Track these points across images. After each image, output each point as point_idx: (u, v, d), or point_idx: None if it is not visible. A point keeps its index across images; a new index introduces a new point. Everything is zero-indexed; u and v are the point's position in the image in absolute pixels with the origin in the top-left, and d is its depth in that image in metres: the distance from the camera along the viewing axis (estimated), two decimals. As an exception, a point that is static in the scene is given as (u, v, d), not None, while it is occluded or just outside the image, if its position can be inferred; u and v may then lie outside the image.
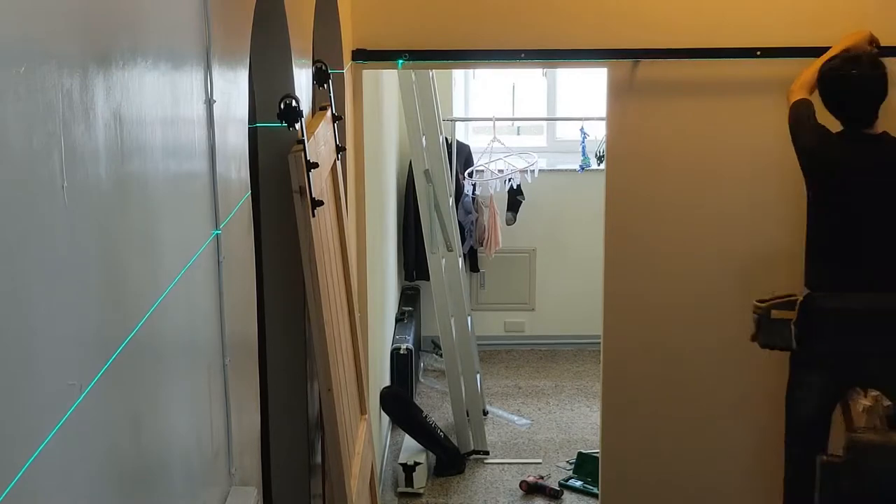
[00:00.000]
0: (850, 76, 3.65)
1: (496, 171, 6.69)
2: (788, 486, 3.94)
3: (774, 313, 3.74)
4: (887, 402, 3.66)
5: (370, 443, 3.59)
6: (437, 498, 5.22)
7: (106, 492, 1.24)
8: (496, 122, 6.57)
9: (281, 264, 2.89)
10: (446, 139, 6.19)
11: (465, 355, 5.74)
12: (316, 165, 2.75)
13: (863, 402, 3.65)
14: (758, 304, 3.80)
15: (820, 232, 3.79)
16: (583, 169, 6.76)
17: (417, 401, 6.03)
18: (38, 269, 1.04)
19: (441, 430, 5.47)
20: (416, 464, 5.24)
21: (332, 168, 3.26)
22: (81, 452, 1.15)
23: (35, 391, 1.03)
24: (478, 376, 6.03)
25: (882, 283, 3.70)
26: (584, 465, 5.33)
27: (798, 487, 3.88)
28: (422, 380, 6.70)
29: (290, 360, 2.98)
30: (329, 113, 3.32)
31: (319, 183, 2.86)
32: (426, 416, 5.48)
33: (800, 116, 3.80)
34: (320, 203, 2.76)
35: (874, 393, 3.67)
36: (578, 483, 5.31)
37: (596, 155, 6.64)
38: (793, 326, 3.70)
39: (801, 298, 3.72)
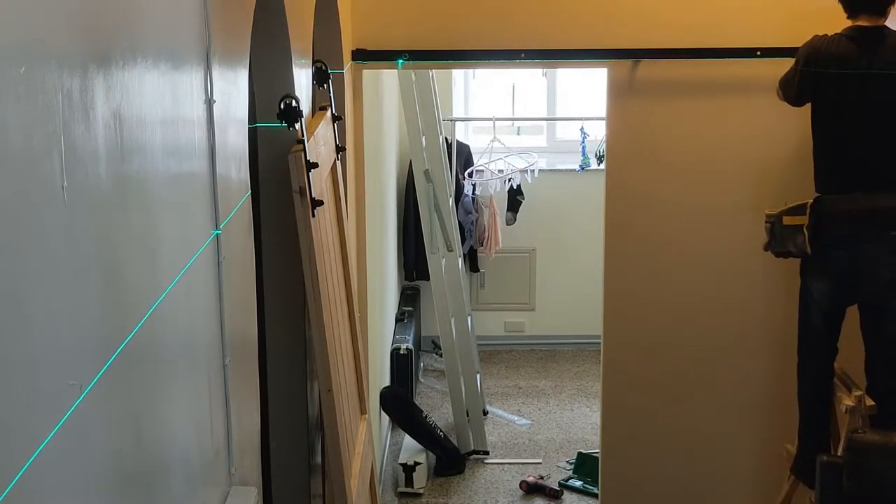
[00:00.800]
0: None
1: (496, 171, 6.70)
2: (804, 400, 3.91)
3: (786, 220, 3.71)
4: (870, 402, 3.64)
5: (370, 443, 3.59)
6: (437, 498, 5.23)
7: (106, 491, 1.24)
8: (496, 122, 6.57)
9: (281, 264, 2.89)
10: (446, 139, 6.19)
11: (465, 355, 5.74)
12: (316, 165, 2.75)
13: (846, 402, 3.64)
14: (769, 213, 3.76)
15: (824, 134, 3.76)
16: (583, 169, 6.76)
17: (417, 401, 6.03)
18: (38, 269, 1.04)
19: (441, 430, 5.47)
20: (416, 464, 5.24)
21: (332, 168, 3.26)
22: (81, 452, 1.15)
23: (35, 391, 1.03)
24: (478, 376, 6.03)
25: (886, 182, 3.67)
26: (584, 465, 5.33)
27: (813, 400, 3.86)
28: (422, 380, 6.70)
29: (290, 360, 2.98)
30: (329, 113, 3.32)
31: (319, 183, 2.86)
32: (426, 416, 5.48)
33: (786, 73, 3.82)
34: (320, 203, 2.76)
35: (857, 393, 3.66)
36: (578, 483, 5.31)
37: (596, 155, 6.64)
38: (805, 231, 3.67)
39: (810, 202, 3.68)
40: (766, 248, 3.82)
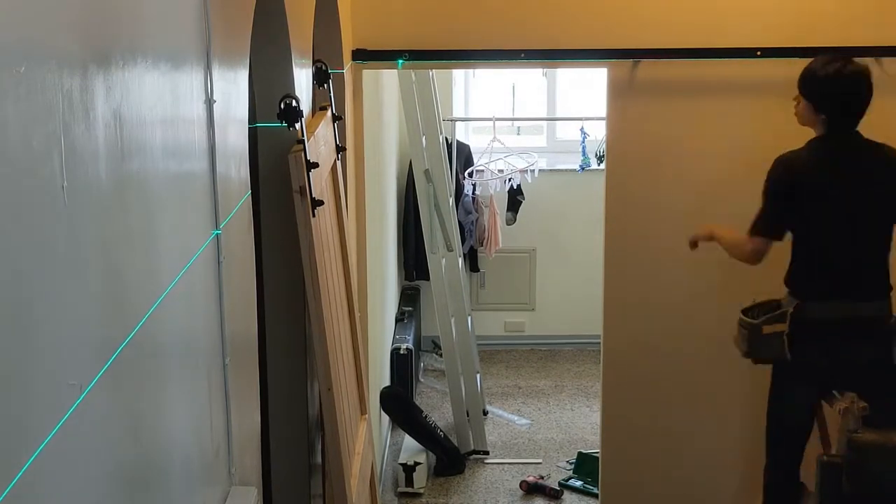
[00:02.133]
0: (845, 71, 3.61)
1: (496, 171, 6.69)
2: (773, 490, 3.93)
3: (766, 329, 3.69)
4: (863, 403, 3.65)
5: (370, 443, 3.59)
6: (437, 498, 5.22)
7: (106, 492, 1.24)
8: (496, 122, 6.57)
9: (281, 264, 2.89)
10: (446, 139, 6.19)
11: (465, 355, 5.74)
12: (316, 165, 2.75)
13: (839, 403, 3.65)
14: (745, 318, 3.73)
15: (805, 239, 3.75)
16: (583, 169, 6.76)
17: (417, 401, 6.03)
18: (38, 269, 1.04)
19: (441, 430, 5.47)
20: (416, 464, 5.24)
21: (332, 168, 3.26)
22: (81, 452, 1.15)
23: (35, 391, 1.03)
24: (478, 376, 6.03)
25: (865, 291, 3.67)
26: (584, 465, 5.33)
27: (783, 493, 3.89)
28: (422, 380, 6.70)
29: (290, 360, 2.98)
30: (329, 113, 3.32)
31: (319, 183, 2.86)
32: (426, 416, 5.48)
33: (758, 213, 3.76)
34: (320, 203, 2.76)
35: (851, 394, 3.66)
36: (578, 483, 5.31)
37: (596, 155, 6.64)
38: (785, 338, 3.66)
39: (790, 310, 3.68)
40: (744, 355, 3.78)
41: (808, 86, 3.68)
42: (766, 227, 3.72)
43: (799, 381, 3.77)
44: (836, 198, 3.67)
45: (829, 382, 3.70)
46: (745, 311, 3.78)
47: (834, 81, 3.62)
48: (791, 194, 3.68)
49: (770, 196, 3.70)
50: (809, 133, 3.82)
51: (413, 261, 6.72)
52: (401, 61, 4.23)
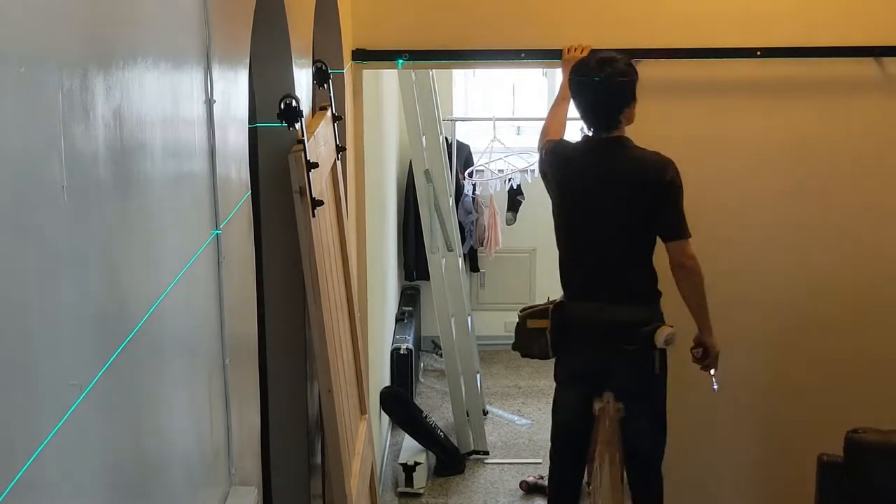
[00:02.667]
0: (590, 82, 3.58)
1: (496, 171, 6.69)
2: (553, 492, 3.98)
3: (530, 322, 3.70)
4: (619, 405, 3.69)
5: (370, 443, 3.59)
6: (437, 498, 5.22)
7: (106, 492, 1.24)
8: (496, 122, 6.57)
9: (281, 264, 2.89)
10: (446, 139, 6.19)
11: (465, 355, 5.74)
12: (316, 165, 2.75)
13: (597, 405, 3.70)
14: (519, 313, 3.75)
15: (561, 240, 3.78)
16: (583, 169, 6.74)
17: (417, 401, 6.03)
18: (38, 269, 1.04)
19: (441, 430, 5.47)
20: (416, 464, 5.24)
21: (332, 168, 3.26)
22: (81, 452, 1.15)
23: (35, 391, 1.03)
24: (478, 376, 6.03)
25: (614, 295, 3.66)
26: (584, 465, 5.33)
27: (560, 496, 3.93)
28: (422, 380, 6.70)
29: (290, 360, 2.98)
30: (329, 113, 3.32)
31: (319, 183, 2.86)
32: (426, 416, 5.48)
33: (541, 147, 3.84)
34: (320, 203, 2.76)
35: (609, 394, 3.70)
36: (578, 483, 5.30)
37: (596, 155, 6.62)
38: (548, 335, 3.67)
39: (551, 307, 3.70)
40: (512, 348, 3.79)
41: (571, 85, 3.68)
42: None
43: (566, 380, 3.79)
44: (581, 198, 3.67)
45: (595, 384, 3.70)
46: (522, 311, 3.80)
47: (584, 83, 3.61)
48: (551, 187, 3.74)
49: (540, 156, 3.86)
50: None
51: (413, 261, 6.72)
52: (401, 61, 4.23)
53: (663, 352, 3.62)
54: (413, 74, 5.20)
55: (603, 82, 3.58)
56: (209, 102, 1.79)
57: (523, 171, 6.63)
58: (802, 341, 4.39)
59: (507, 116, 7.43)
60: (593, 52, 3.81)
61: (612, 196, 3.63)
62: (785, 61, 4.13)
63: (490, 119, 6.63)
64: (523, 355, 3.86)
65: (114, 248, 1.29)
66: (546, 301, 3.82)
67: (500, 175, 6.65)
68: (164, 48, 1.55)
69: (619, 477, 3.75)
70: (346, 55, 3.95)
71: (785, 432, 4.45)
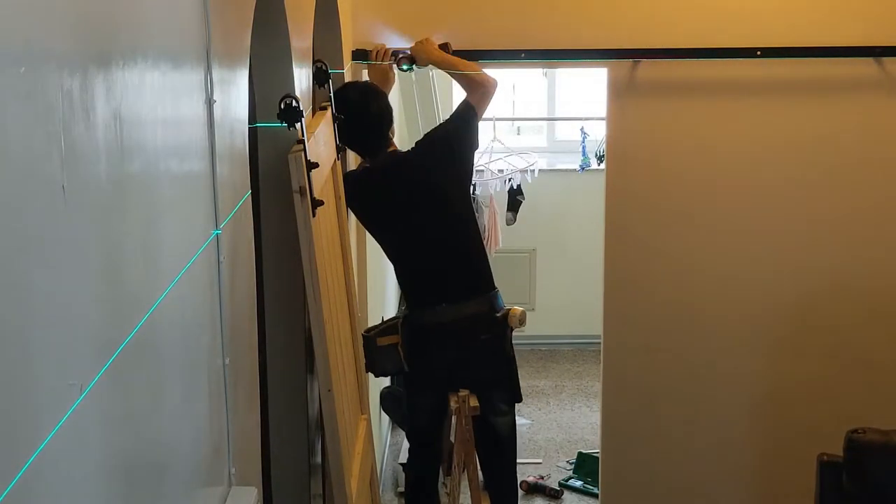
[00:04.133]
0: (339, 118, 3.54)
1: (496, 171, 6.69)
2: (410, 490, 4.11)
3: (381, 340, 3.72)
4: (474, 404, 3.77)
5: (370, 443, 3.59)
6: (437, 498, 5.21)
7: (106, 492, 1.24)
8: (496, 122, 6.57)
9: (281, 264, 2.89)
10: (446, 139, 6.18)
11: (465, 355, 5.72)
12: (316, 165, 2.75)
13: (453, 402, 3.77)
14: (364, 334, 3.73)
15: (392, 258, 3.86)
16: (583, 169, 6.76)
17: (417, 401, 6.02)
18: (38, 269, 1.04)
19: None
20: (416, 464, 5.23)
21: (332, 168, 3.26)
22: (81, 452, 1.15)
23: (35, 391, 1.03)
24: (478, 376, 6.01)
25: (461, 291, 3.74)
26: (584, 465, 5.33)
27: (418, 494, 4.05)
28: (422, 380, 6.69)
29: (290, 360, 2.98)
30: (329, 113, 3.32)
31: (319, 183, 2.86)
32: (426, 416, 5.47)
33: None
34: (320, 203, 2.76)
35: (462, 393, 3.76)
36: (578, 483, 5.31)
37: (596, 155, 6.63)
38: (400, 349, 3.70)
39: (400, 320, 3.75)
40: (367, 370, 3.73)
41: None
42: None
43: (421, 387, 3.86)
44: (390, 215, 3.75)
45: (448, 386, 3.78)
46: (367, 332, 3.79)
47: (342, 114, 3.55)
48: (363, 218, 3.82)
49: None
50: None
51: (413, 261, 6.71)
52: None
53: (510, 332, 3.79)
54: (413, 74, 5.20)
55: (352, 116, 3.58)
56: (209, 102, 1.79)
57: (523, 171, 6.62)
58: (802, 341, 4.39)
59: (507, 116, 7.43)
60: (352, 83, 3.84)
61: (412, 201, 3.74)
62: (785, 61, 4.13)
63: (490, 119, 6.63)
64: (377, 375, 3.88)
65: (114, 248, 1.29)
66: (382, 320, 3.91)
67: (500, 175, 6.64)
68: (164, 48, 1.55)
69: (477, 474, 3.92)
70: (346, 55, 3.95)
71: (785, 432, 4.45)
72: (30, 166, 1.02)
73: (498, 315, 3.77)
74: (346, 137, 3.62)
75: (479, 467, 4.00)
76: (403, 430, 5.46)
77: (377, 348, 3.71)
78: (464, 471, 3.93)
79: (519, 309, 3.80)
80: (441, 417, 3.94)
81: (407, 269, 3.84)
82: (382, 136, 3.76)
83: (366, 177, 3.80)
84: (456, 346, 3.77)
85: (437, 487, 4.10)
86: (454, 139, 3.81)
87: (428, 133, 3.95)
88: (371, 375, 3.85)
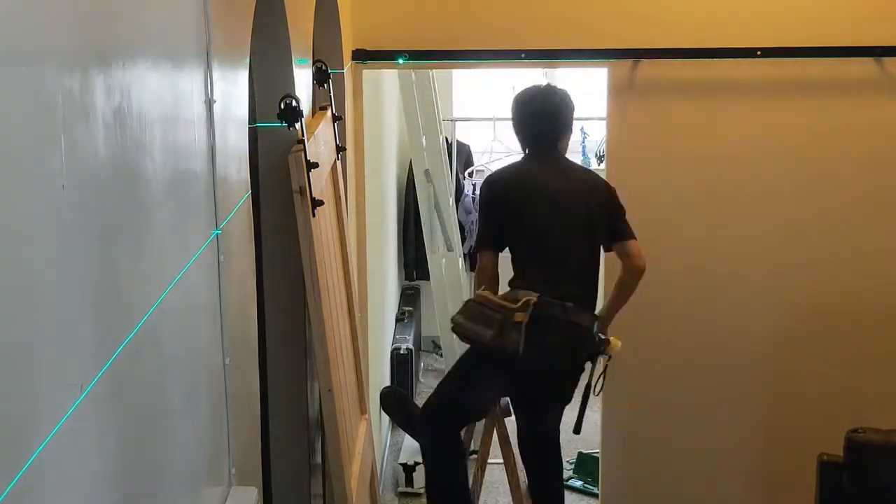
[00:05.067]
0: (539, 97, 3.77)
1: (496, 172, 6.68)
2: (435, 458, 4.05)
3: (518, 316, 3.52)
4: (509, 416, 3.79)
5: (370, 443, 3.59)
6: (437, 498, 5.21)
7: (106, 492, 1.24)
8: (496, 122, 6.57)
9: (281, 264, 2.89)
10: (446, 139, 6.18)
11: (465, 355, 5.72)
12: (316, 165, 2.75)
13: (498, 407, 3.76)
14: (502, 303, 3.58)
15: (524, 248, 3.77)
16: (583, 169, 6.74)
17: (417, 401, 6.02)
18: (38, 269, 1.04)
19: (441, 430, 5.46)
20: (416, 464, 5.23)
21: (332, 168, 3.26)
22: (81, 452, 1.15)
23: (35, 391, 1.03)
24: (478, 376, 6.01)
25: (578, 298, 3.68)
26: (584, 465, 5.33)
27: (442, 459, 4.01)
28: (422, 380, 6.69)
29: (290, 360, 2.98)
30: (329, 113, 3.32)
31: (319, 183, 2.86)
32: (426, 416, 5.46)
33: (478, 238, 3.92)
34: (320, 203, 2.76)
35: (505, 400, 3.75)
36: (578, 483, 5.30)
37: (596, 155, 6.63)
38: (523, 329, 3.52)
39: (534, 300, 3.54)
40: (490, 341, 3.56)
41: (511, 109, 3.90)
42: (488, 242, 3.80)
43: (503, 369, 3.66)
44: (549, 212, 3.72)
45: (518, 383, 3.73)
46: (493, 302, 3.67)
47: (527, 104, 3.81)
48: (499, 211, 3.77)
49: (483, 213, 3.84)
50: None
51: (413, 261, 6.72)
52: (401, 59, 4.23)
53: (602, 362, 3.73)
54: (413, 74, 5.20)
55: (544, 105, 3.79)
56: (209, 102, 1.80)
57: (523, 171, 6.61)
58: (802, 341, 4.39)
59: (507, 116, 7.41)
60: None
61: (574, 207, 3.72)
62: (785, 61, 4.13)
63: (490, 119, 6.63)
64: (496, 349, 3.59)
65: (114, 248, 1.29)
66: (507, 295, 3.67)
67: (500, 175, 6.63)
68: (164, 48, 1.55)
69: (517, 479, 3.91)
70: (346, 55, 3.95)
71: (785, 432, 4.45)
72: (30, 165, 1.02)
73: (601, 336, 3.67)
74: (541, 124, 3.77)
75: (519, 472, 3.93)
76: (406, 431, 5.46)
77: (512, 324, 3.54)
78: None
79: (619, 342, 3.67)
80: (488, 408, 3.85)
81: (541, 261, 3.72)
82: (566, 136, 3.84)
83: (530, 166, 3.83)
84: (556, 349, 3.64)
85: (468, 487, 3.97)
86: (609, 218, 3.80)
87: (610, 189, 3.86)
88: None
